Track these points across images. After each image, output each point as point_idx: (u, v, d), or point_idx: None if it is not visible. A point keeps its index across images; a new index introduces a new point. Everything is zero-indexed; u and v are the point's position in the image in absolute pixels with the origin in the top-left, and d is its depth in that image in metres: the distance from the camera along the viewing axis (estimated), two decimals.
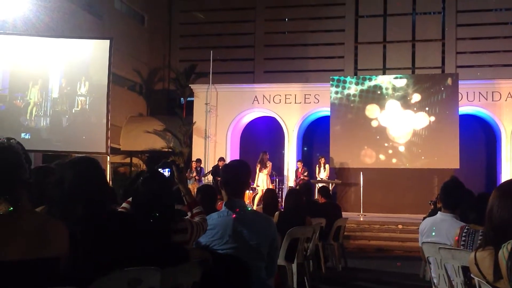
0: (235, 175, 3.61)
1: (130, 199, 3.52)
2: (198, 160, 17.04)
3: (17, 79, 14.17)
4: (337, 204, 10.88)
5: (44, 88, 14.31)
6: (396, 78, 17.50)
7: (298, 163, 17.01)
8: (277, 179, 17.12)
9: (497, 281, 2.36)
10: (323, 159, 16.63)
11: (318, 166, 16.56)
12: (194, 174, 16.34)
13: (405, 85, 17.23)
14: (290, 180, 17.71)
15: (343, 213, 10.22)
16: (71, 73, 14.38)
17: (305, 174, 16.33)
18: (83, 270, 2.48)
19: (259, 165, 15.83)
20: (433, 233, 4.53)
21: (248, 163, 3.92)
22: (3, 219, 2.08)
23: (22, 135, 13.69)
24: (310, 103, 18.53)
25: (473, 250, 2.95)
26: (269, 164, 16.18)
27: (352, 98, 17.34)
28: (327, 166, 16.56)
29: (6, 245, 2.04)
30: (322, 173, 16.40)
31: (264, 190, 15.02)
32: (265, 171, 15.94)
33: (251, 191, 16.20)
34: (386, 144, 17.08)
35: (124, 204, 3.59)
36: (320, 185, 15.74)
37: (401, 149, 17.02)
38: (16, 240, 2.06)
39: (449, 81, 16.99)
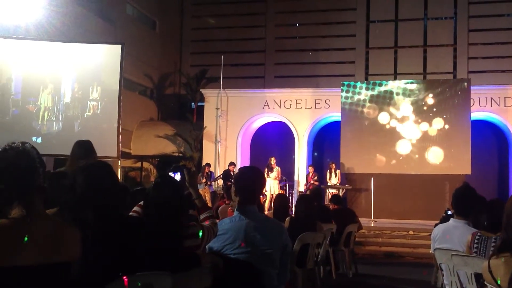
0: (248, 182, 3.60)
1: (141, 202, 3.53)
2: (208, 165, 17.05)
3: (30, 83, 14.28)
4: (350, 209, 10.85)
5: (56, 93, 14.41)
6: (407, 83, 17.43)
7: (310, 168, 16.97)
8: (287, 184, 17.09)
9: None
10: (333, 164, 16.60)
11: (329, 172, 16.53)
12: (204, 180, 16.32)
13: (417, 90, 17.15)
14: (301, 185, 17.67)
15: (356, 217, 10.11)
16: (82, 77, 14.47)
17: (315, 179, 16.30)
18: (94, 275, 2.49)
19: (266, 170, 15.88)
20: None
21: (260, 169, 3.92)
22: (17, 223, 2.08)
23: (33, 139, 13.78)
24: (320, 108, 18.51)
25: (487, 257, 2.92)
26: (276, 168, 16.16)
27: (363, 103, 17.29)
28: (338, 171, 16.52)
29: (20, 250, 2.05)
30: (333, 179, 16.37)
31: (273, 195, 15.07)
32: (272, 176, 15.93)
33: (260, 196, 16.15)
34: (397, 150, 17.00)
35: (135, 208, 3.60)
36: (331, 190, 15.76)
37: (412, 154, 16.93)
38: (29, 244, 2.07)
39: (461, 86, 16.90)
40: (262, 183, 3.76)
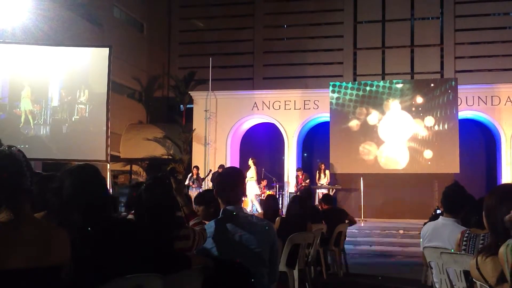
0: (225, 183, 3.61)
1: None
2: (196, 167, 16.99)
3: (17, 88, 14.20)
4: (341, 208, 10.89)
5: (43, 96, 14.34)
6: (395, 83, 17.52)
7: (298, 172, 16.92)
8: (277, 185, 17.10)
9: (500, 284, 2.36)
10: (323, 165, 16.65)
11: (318, 172, 16.58)
12: (191, 183, 16.17)
13: (405, 90, 17.25)
14: (291, 186, 17.69)
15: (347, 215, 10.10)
16: (70, 81, 14.41)
17: (307, 181, 16.28)
18: (84, 278, 2.47)
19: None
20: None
21: (240, 170, 3.96)
22: (5, 227, 2.07)
23: (21, 143, 13.64)
24: (309, 109, 18.55)
25: (475, 254, 2.94)
26: (252, 168, 15.98)
27: (351, 104, 17.35)
28: (327, 172, 16.57)
29: (8, 254, 2.03)
30: (322, 179, 16.40)
31: (256, 196, 15.12)
32: (247, 177, 15.55)
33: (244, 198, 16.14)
34: (385, 149, 17.08)
35: (129, 216, 3.60)
36: (321, 191, 15.79)
37: (401, 154, 17.02)
38: (18, 248, 2.06)
39: (449, 86, 17.01)
40: (242, 181, 3.77)
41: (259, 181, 16.55)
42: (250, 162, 16.29)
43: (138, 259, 2.69)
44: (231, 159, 18.99)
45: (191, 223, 3.59)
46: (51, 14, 15.24)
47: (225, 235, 3.46)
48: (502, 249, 2.30)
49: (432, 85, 17.25)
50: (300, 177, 16.56)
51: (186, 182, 16.12)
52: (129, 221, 3.33)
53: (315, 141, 19.82)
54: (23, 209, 2.15)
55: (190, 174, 16.58)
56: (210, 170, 16.96)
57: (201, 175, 16.89)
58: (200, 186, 16.35)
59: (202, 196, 4.96)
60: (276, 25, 22.89)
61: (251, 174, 15.94)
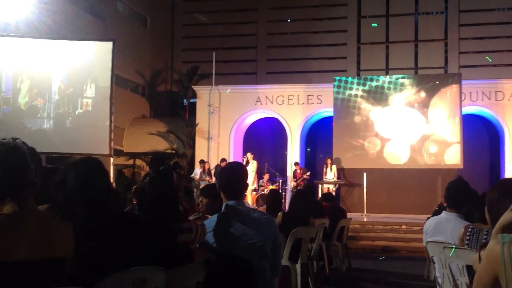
0: (229, 178, 3.61)
1: None
2: (204, 161, 16.99)
3: (20, 81, 14.21)
4: (341, 207, 10.93)
5: (47, 90, 14.35)
6: (399, 78, 17.48)
7: (296, 166, 16.89)
8: (280, 180, 17.11)
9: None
10: (329, 160, 16.63)
11: (325, 167, 16.56)
12: (208, 178, 16.19)
13: (408, 85, 17.21)
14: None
15: (347, 213, 10.23)
16: (73, 75, 14.42)
17: (308, 174, 16.28)
18: (88, 270, 2.48)
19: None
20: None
21: (243, 165, 3.95)
22: (9, 220, 2.08)
23: (25, 136, 13.66)
24: (313, 103, 18.53)
25: (477, 249, 2.94)
26: (250, 163, 16.18)
27: (355, 99, 17.32)
28: (334, 166, 16.54)
29: (12, 246, 2.04)
30: (329, 174, 16.40)
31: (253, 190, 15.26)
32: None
33: (254, 192, 16.22)
34: (389, 144, 17.06)
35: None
36: (326, 186, 15.83)
37: (404, 149, 16.99)
38: (21, 241, 2.06)
39: (452, 81, 16.97)
40: (245, 176, 3.76)
41: (259, 176, 16.64)
42: (249, 156, 16.41)
43: (141, 253, 2.70)
44: (234, 154, 19.00)
45: (190, 218, 3.60)
46: (55, 8, 15.25)
47: (227, 229, 3.46)
48: (495, 247, 2.00)
49: (435, 80, 17.20)
50: (298, 171, 16.55)
51: (198, 176, 16.15)
52: (132, 215, 3.34)
53: (318, 136, 19.81)
54: (27, 201, 2.15)
55: (201, 169, 16.53)
56: (218, 165, 16.93)
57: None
58: (211, 178, 16.43)
59: (210, 189, 4.90)
60: (280, 20, 22.83)
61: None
